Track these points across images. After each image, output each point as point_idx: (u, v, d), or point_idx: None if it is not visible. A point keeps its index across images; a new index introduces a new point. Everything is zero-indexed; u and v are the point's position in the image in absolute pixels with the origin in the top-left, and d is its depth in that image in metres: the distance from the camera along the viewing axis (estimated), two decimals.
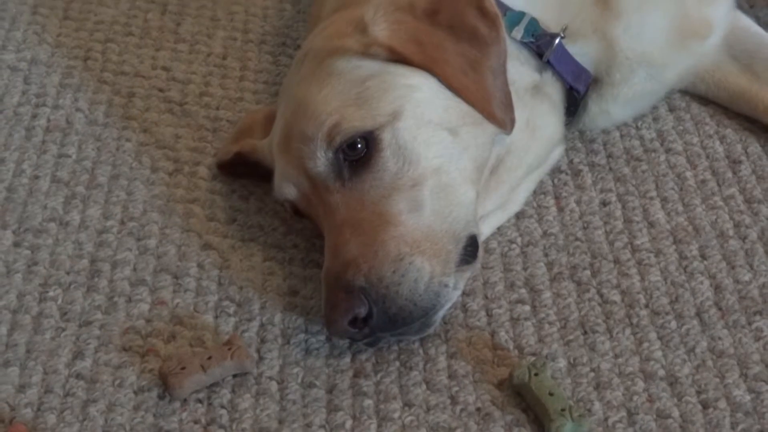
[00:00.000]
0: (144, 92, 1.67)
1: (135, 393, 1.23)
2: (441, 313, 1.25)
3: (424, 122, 1.28)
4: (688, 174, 1.49)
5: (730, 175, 1.49)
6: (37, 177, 1.52)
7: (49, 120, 1.61)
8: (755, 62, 1.57)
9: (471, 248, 1.28)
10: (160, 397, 1.23)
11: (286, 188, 1.33)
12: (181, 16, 1.83)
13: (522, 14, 1.39)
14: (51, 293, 1.35)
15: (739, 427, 1.18)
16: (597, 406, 1.20)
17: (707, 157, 1.52)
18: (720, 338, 1.28)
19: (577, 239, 1.41)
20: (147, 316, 1.32)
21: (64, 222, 1.45)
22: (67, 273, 1.38)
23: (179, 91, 1.67)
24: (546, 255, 1.39)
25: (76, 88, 1.67)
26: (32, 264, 1.39)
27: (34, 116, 1.62)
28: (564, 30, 1.41)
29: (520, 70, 1.39)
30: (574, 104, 1.47)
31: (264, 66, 1.72)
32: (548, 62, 1.41)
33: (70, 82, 1.69)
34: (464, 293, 1.32)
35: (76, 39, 1.78)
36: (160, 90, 1.67)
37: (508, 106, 1.32)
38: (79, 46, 1.76)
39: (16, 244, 1.42)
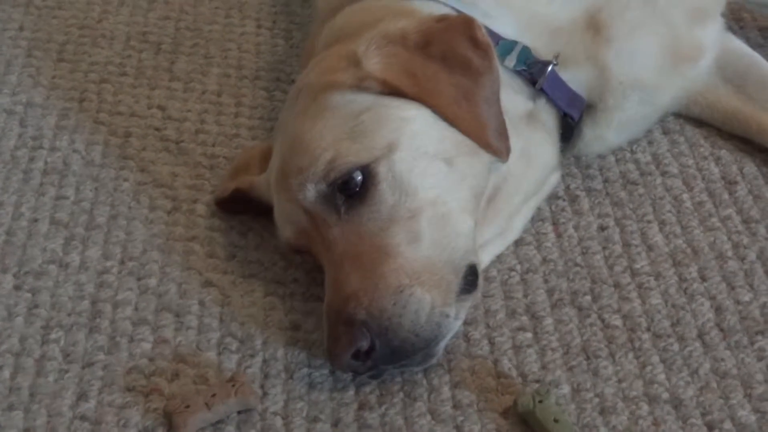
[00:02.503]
0: (140, 132, 1.68)
1: None
2: (443, 344, 1.26)
3: (419, 154, 1.28)
4: (685, 196, 1.50)
5: (726, 196, 1.50)
6: (35, 220, 1.52)
7: (46, 162, 1.62)
8: (747, 83, 1.58)
9: (471, 277, 1.28)
10: None
11: (286, 227, 1.34)
12: (175, 54, 1.84)
13: (514, 43, 1.40)
14: (53, 335, 1.35)
15: None
16: (602, 431, 1.21)
17: (703, 178, 1.53)
18: (723, 359, 1.28)
19: (576, 265, 1.41)
20: (150, 355, 1.32)
21: (64, 264, 1.45)
22: (69, 315, 1.38)
23: (175, 130, 1.68)
24: (546, 281, 1.39)
25: (73, 130, 1.68)
26: (33, 307, 1.39)
27: (31, 159, 1.63)
28: (556, 57, 1.42)
29: (513, 98, 1.39)
30: (568, 130, 1.48)
31: (259, 102, 1.73)
32: (542, 90, 1.42)
33: (66, 123, 1.70)
34: (466, 322, 1.32)
35: (71, 81, 1.79)
36: (156, 129, 1.68)
37: (503, 135, 1.33)
38: (74, 87, 1.77)
39: (17, 288, 1.42)
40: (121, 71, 1.81)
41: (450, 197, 1.29)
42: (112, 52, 1.85)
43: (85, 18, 1.94)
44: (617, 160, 1.56)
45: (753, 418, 1.22)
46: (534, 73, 1.41)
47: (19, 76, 1.80)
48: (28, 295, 1.41)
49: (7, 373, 1.30)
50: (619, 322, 1.33)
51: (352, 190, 1.26)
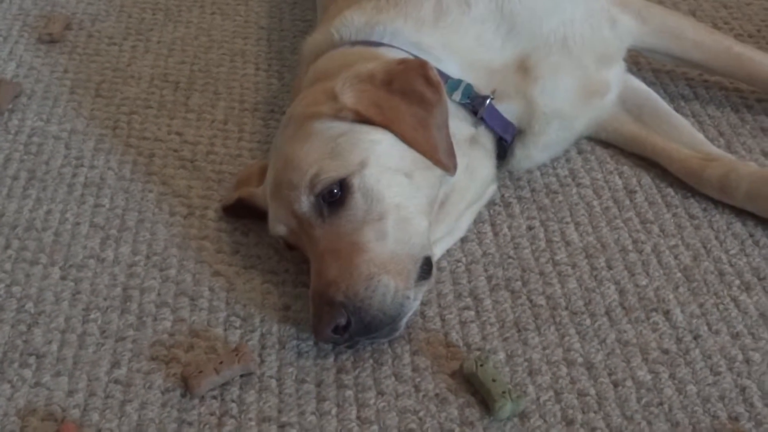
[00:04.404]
0: (162, 153, 1.66)
1: (162, 393, 1.23)
2: (405, 320, 1.25)
3: (385, 169, 1.28)
4: (595, 202, 1.50)
5: (627, 202, 1.50)
6: (78, 223, 1.51)
7: (86, 177, 1.60)
8: (643, 113, 1.58)
9: (426, 267, 1.28)
10: (182, 396, 1.22)
11: (279, 227, 1.33)
12: (190, 91, 1.82)
13: (460, 81, 1.40)
14: (92, 316, 1.34)
15: (643, 401, 1.19)
16: (531, 388, 1.21)
17: (609, 188, 1.53)
18: (625, 331, 1.28)
19: (509, 257, 1.41)
20: (170, 331, 1.31)
21: (101, 258, 1.44)
22: (105, 299, 1.37)
23: (190, 151, 1.66)
24: (486, 270, 1.39)
25: (108, 152, 1.66)
26: (76, 293, 1.38)
27: (74, 175, 1.61)
28: (493, 93, 1.42)
29: (459, 125, 1.39)
30: (503, 150, 1.47)
31: (257, 129, 1.71)
32: (482, 118, 1.41)
33: (102, 146, 1.68)
34: (422, 303, 1.32)
35: (106, 112, 1.77)
36: (175, 151, 1.66)
37: (451, 154, 1.33)
38: (109, 118, 1.75)
39: (63, 278, 1.40)
40: (147, 105, 1.79)
41: (410, 203, 1.28)
42: (139, 90, 1.83)
43: (118, 62, 1.92)
44: (542, 174, 1.56)
45: (649, 377, 1.22)
46: (475, 105, 1.40)
47: (64, 109, 1.78)
48: (72, 283, 1.39)
49: (54, 347, 1.29)
50: (543, 302, 1.33)
51: (332, 198, 1.25)
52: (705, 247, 1.41)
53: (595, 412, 1.18)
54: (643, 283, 1.35)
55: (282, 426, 1.18)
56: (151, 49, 1.96)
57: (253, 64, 1.90)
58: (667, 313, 1.30)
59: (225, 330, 1.31)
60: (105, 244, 1.46)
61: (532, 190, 1.53)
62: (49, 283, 1.39)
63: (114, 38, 1.99)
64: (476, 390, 1.20)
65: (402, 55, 1.40)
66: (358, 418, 1.18)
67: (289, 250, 1.37)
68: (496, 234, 1.45)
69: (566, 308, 1.32)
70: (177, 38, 1.99)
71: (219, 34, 2.01)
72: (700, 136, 1.55)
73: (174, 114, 1.76)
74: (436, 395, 1.20)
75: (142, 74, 1.87)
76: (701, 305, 1.31)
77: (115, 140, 1.69)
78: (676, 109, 1.62)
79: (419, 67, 1.33)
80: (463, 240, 1.44)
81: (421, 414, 1.18)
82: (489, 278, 1.37)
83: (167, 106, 1.78)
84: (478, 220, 1.47)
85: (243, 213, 1.48)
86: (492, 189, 1.48)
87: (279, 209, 1.32)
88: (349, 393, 1.21)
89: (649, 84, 1.66)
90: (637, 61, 1.77)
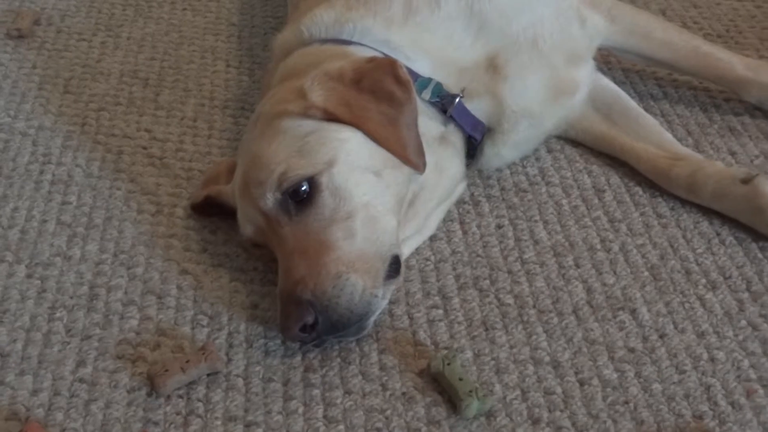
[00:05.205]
0: (131, 150, 1.65)
1: (128, 392, 1.22)
2: (372, 318, 1.25)
3: (354, 167, 1.28)
4: (564, 201, 1.50)
5: (596, 201, 1.50)
6: (45, 221, 1.49)
7: (53, 175, 1.59)
8: (612, 113, 1.59)
9: (395, 265, 1.28)
10: (149, 395, 1.21)
11: (247, 226, 1.32)
12: (160, 88, 1.81)
13: (429, 80, 1.40)
14: (58, 314, 1.33)
15: (609, 399, 1.19)
16: (497, 387, 1.21)
17: (578, 187, 1.53)
18: (592, 330, 1.29)
19: (478, 255, 1.41)
20: (136, 330, 1.30)
21: (67, 256, 1.43)
22: (71, 297, 1.35)
23: (159, 148, 1.65)
24: (454, 269, 1.39)
25: (76, 149, 1.65)
26: (42, 291, 1.36)
27: (41, 172, 1.60)
28: (463, 91, 1.42)
29: (428, 123, 1.39)
30: (472, 149, 1.48)
31: (227, 126, 1.71)
32: (451, 117, 1.42)
33: (70, 143, 1.66)
34: (390, 301, 1.31)
35: (75, 109, 1.75)
36: (144, 148, 1.65)
37: (420, 153, 1.33)
38: (77, 114, 1.74)
39: (29, 276, 1.39)
40: (116, 101, 1.78)
41: (378, 202, 1.28)
42: (108, 86, 1.82)
43: (87, 58, 1.90)
44: (511, 173, 1.56)
45: (615, 375, 1.22)
46: (445, 103, 1.41)
47: (32, 105, 1.76)
48: (38, 281, 1.38)
49: (19, 345, 1.28)
50: (511, 301, 1.33)
51: (301, 196, 1.25)
52: (672, 246, 1.41)
53: (561, 411, 1.18)
54: (611, 281, 1.36)
55: (248, 425, 1.18)
56: (121, 45, 1.94)
57: (223, 61, 1.89)
58: (633, 312, 1.31)
59: (192, 328, 1.30)
60: (72, 242, 1.45)
61: (502, 189, 1.53)
62: (15, 281, 1.38)
63: (83, 34, 1.98)
64: (443, 389, 1.20)
65: (371, 53, 1.39)
66: (324, 417, 1.18)
67: (257, 249, 1.36)
68: (464, 233, 1.45)
69: (534, 307, 1.32)
70: (147, 34, 1.98)
71: (189, 31, 2.00)
72: (669, 135, 1.56)
73: (143, 111, 1.75)
74: (403, 394, 1.20)
75: (112, 71, 1.86)
76: (667, 304, 1.32)
77: (83, 137, 1.68)
78: (646, 109, 1.62)
79: (389, 66, 1.33)
80: (432, 238, 1.43)
81: (388, 413, 1.18)
82: (457, 277, 1.37)
83: (136, 103, 1.77)
84: (447, 219, 1.47)
85: (211, 211, 1.47)
86: (461, 187, 1.49)
87: (247, 207, 1.31)
88: (316, 392, 1.21)
89: (619, 83, 1.67)
90: (608, 61, 1.78)
